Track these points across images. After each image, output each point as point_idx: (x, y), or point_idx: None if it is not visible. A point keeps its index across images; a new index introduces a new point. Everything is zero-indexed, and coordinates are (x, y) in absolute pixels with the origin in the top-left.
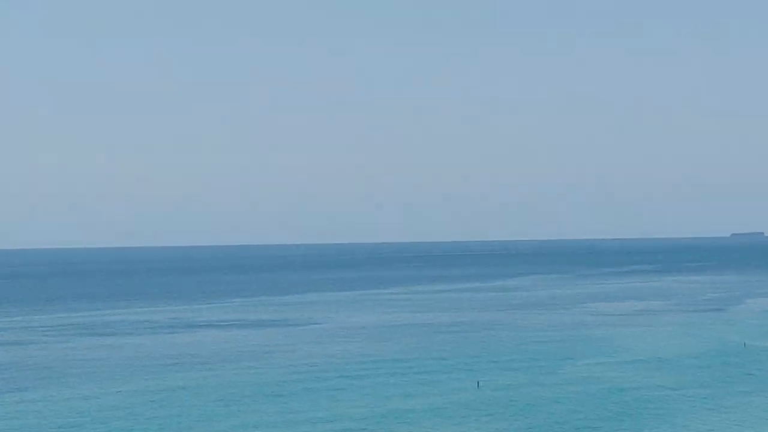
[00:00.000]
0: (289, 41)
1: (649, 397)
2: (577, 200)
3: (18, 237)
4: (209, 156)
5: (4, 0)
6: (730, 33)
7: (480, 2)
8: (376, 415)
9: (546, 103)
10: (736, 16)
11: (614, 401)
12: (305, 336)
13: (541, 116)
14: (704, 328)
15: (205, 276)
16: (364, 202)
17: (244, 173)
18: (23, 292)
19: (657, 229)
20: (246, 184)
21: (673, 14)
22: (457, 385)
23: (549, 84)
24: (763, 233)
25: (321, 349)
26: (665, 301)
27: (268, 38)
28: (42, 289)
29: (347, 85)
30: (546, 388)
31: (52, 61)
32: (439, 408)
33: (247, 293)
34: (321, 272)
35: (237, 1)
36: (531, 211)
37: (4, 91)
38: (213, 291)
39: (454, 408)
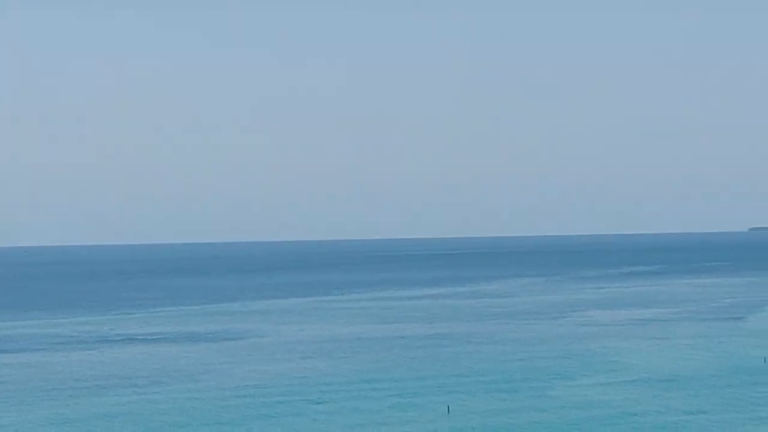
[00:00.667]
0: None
1: (656, 423)
2: (574, 192)
3: None
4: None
5: None
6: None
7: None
8: None
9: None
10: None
11: (609, 426)
12: (248, 352)
13: (528, 109)
14: (719, 340)
15: (132, 280)
16: (328, 195)
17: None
18: None
19: (666, 225)
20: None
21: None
22: (423, 411)
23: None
24: None
25: (266, 368)
26: (674, 308)
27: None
28: None
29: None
30: (531, 414)
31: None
32: None
33: (180, 301)
34: (269, 275)
35: None
36: (518, 204)
37: None
38: (139, 298)
39: None
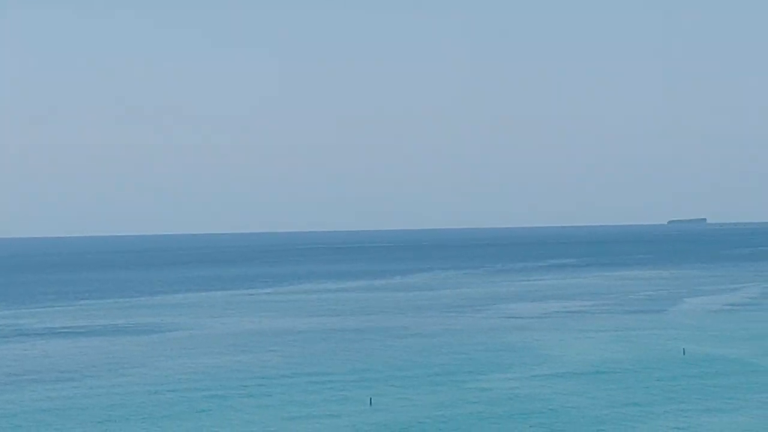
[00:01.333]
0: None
1: (579, 415)
2: (497, 186)
3: None
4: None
5: None
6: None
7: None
8: None
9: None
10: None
11: (534, 421)
12: (167, 346)
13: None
14: (640, 332)
15: (49, 274)
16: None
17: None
18: None
19: (585, 217)
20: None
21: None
22: (345, 404)
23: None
24: (705, 220)
25: (194, 361)
26: (595, 300)
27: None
28: None
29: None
30: (453, 407)
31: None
32: (321, 430)
33: (99, 294)
34: (201, 268)
35: None
36: (443, 197)
37: None
38: (56, 292)
39: (339, 430)
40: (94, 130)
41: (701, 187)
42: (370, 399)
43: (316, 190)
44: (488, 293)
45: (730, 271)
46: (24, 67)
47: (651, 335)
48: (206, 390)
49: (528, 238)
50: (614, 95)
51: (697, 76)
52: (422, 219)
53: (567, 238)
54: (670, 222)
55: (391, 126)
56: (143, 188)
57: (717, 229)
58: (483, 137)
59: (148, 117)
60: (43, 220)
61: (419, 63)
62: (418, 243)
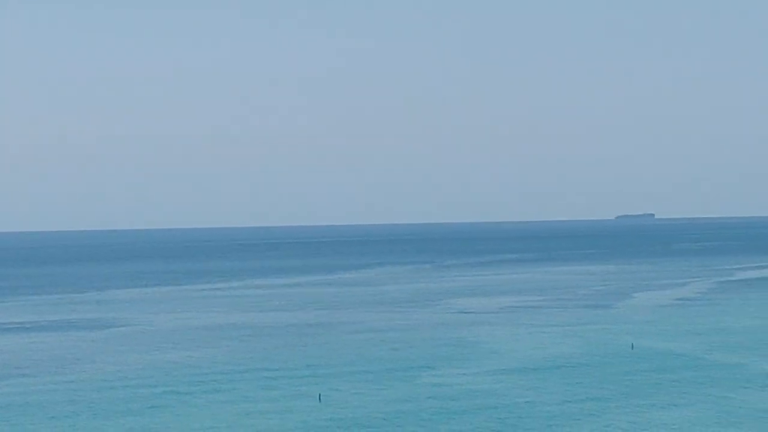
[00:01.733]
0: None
1: (526, 410)
2: (436, 181)
3: None
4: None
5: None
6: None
7: None
8: None
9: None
10: None
11: (486, 416)
12: (119, 342)
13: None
14: (589, 327)
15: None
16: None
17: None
18: None
19: (534, 212)
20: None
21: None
22: (294, 399)
23: None
24: (653, 215)
25: (137, 358)
26: (544, 295)
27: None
28: None
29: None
30: (402, 403)
31: None
32: (271, 426)
33: (48, 289)
34: (145, 263)
35: None
36: (386, 192)
37: None
38: (2, 287)
39: (290, 426)
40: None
41: (649, 183)
42: (319, 395)
43: (268, 186)
44: (438, 288)
45: (679, 265)
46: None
47: (600, 330)
48: (157, 386)
49: (477, 233)
50: (564, 93)
51: (645, 72)
52: (372, 214)
53: (516, 233)
54: (618, 217)
55: (337, 120)
56: (99, 183)
57: (665, 224)
58: (434, 133)
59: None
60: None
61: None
62: (369, 238)
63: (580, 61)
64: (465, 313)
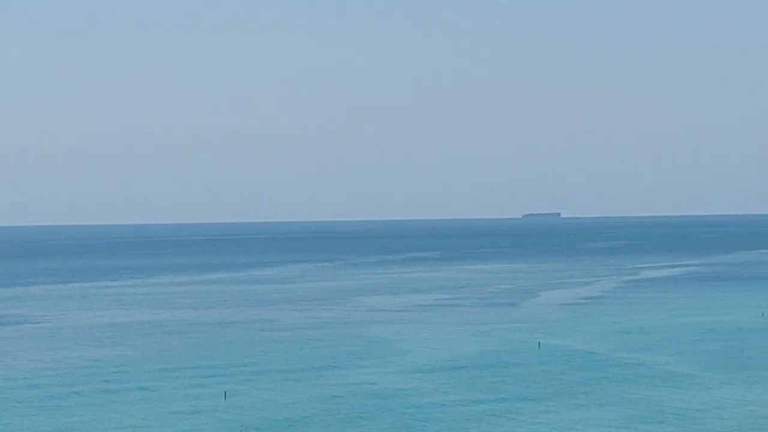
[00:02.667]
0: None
1: (434, 409)
2: (347, 180)
3: None
4: None
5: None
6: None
7: None
8: None
9: None
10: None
11: (390, 415)
12: (22, 341)
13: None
14: (495, 325)
15: None
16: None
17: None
18: None
19: (439, 210)
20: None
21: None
22: (200, 397)
23: None
24: (559, 214)
25: (40, 357)
26: (452, 294)
27: None
28: None
29: None
30: (309, 402)
31: None
32: (174, 423)
33: None
34: (52, 260)
35: None
36: (293, 190)
37: None
38: None
39: (194, 425)
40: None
41: (555, 182)
42: (225, 393)
43: (185, 183)
44: (346, 286)
45: (585, 264)
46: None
47: (507, 329)
48: (61, 385)
49: (385, 231)
50: (472, 93)
51: (550, 72)
52: (281, 211)
53: (423, 231)
54: (524, 216)
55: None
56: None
57: (571, 222)
58: (351, 129)
59: None
60: None
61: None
62: (276, 235)
63: (494, 61)
64: (373, 311)
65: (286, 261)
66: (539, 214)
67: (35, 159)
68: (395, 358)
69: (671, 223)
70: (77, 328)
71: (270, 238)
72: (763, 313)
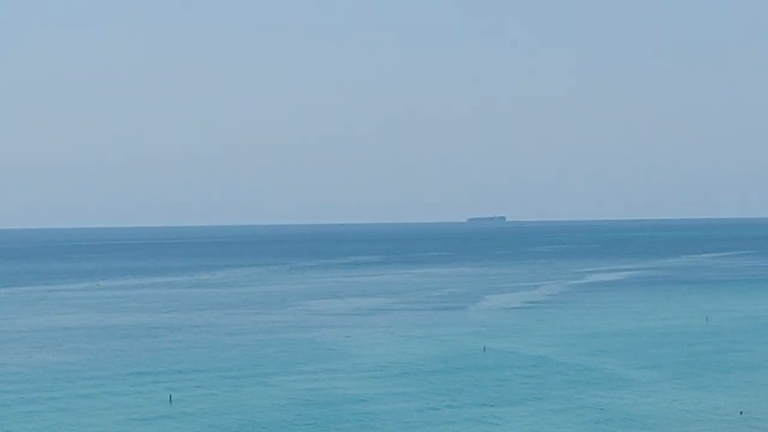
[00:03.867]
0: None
1: (378, 411)
2: (287, 180)
3: None
4: None
5: None
6: None
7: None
8: None
9: None
10: None
11: (335, 419)
12: None
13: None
14: (440, 329)
15: None
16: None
17: None
18: None
19: (385, 214)
20: None
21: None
22: (144, 400)
23: None
24: (504, 217)
25: None
26: (397, 297)
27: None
28: None
29: None
30: (255, 406)
31: None
32: (119, 426)
33: None
34: (13, 263)
35: None
36: (232, 193)
37: None
38: None
39: (137, 427)
40: None
41: (500, 186)
42: (170, 396)
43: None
44: (291, 290)
45: (530, 268)
46: None
47: (452, 332)
48: (6, 391)
49: (331, 234)
50: (420, 97)
51: (495, 76)
52: (224, 215)
53: (368, 235)
54: (470, 220)
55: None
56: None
57: (516, 226)
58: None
59: None
60: None
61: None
62: (220, 239)
63: (441, 63)
64: (319, 315)
65: (231, 265)
66: (484, 218)
67: None
68: (341, 362)
69: (618, 227)
70: (20, 333)
71: (213, 242)
72: (707, 318)
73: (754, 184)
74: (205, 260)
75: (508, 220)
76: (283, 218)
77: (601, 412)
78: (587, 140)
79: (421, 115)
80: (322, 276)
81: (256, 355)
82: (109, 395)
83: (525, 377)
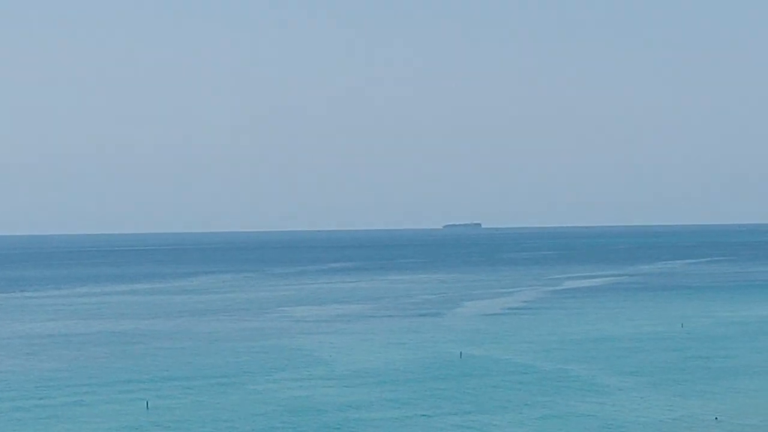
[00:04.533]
0: None
1: (357, 419)
2: (262, 186)
3: None
4: None
5: None
6: None
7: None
8: None
9: None
10: None
11: (313, 424)
12: None
13: None
14: (417, 335)
15: None
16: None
17: None
18: None
19: (361, 220)
20: None
21: None
22: (122, 407)
23: None
24: (480, 224)
25: None
26: (374, 304)
27: None
28: None
29: None
30: (231, 411)
31: None
32: None
33: None
34: None
35: None
36: (216, 200)
37: None
38: None
39: None
40: None
41: (476, 193)
42: (147, 402)
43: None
44: (268, 297)
45: (506, 275)
46: None
47: (429, 339)
48: None
49: (305, 241)
50: (381, 99)
51: (467, 84)
52: (200, 222)
53: (345, 242)
54: (445, 226)
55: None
56: None
57: (492, 233)
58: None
59: None
60: None
61: None
62: (199, 246)
63: (414, 69)
64: (296, 322)
65: (208, 271)
66: (460, 224)
67: None
68: (319, 369)
69: (592, 234)
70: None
71: (191, 248)
72: (682, 324)
73: (731, 192)
74: (181, 267)
75: (483, 226)
76: (258, 225)
77: (577, 418)
78: (563, 147)
79: (396, 123)
80: (300, 283)
81: (233, 362)
82: (87, 402)
83: (502, 383)
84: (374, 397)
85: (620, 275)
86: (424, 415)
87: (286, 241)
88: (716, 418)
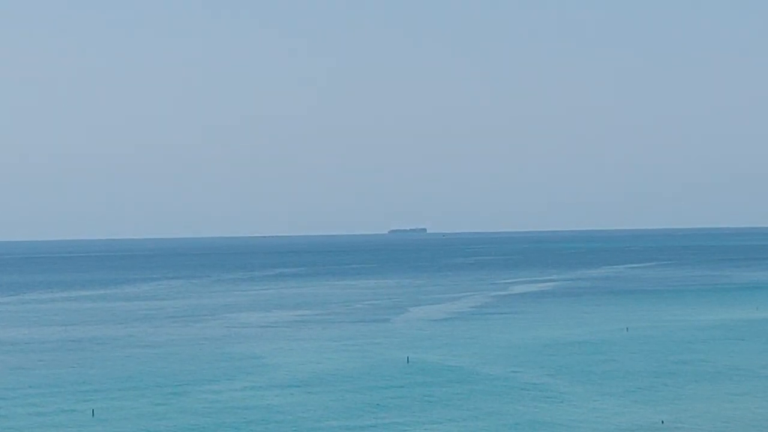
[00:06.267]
0: None
1: (301, 425)
2: (213, 192)
3: None
4: None
5: None
6: None
7: None
8: None
9: None
10: None
11: (258, 430)
12: None
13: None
14: (365, 341)
15: None
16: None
17: None
18: None
19: (305, 225)
20: None
21: None
22: (67, 415)
23: None
24: (425, 229)
25: None
26: (319, 309)
27: None
28: None
29: None
30: (177, 419)
31: None
32: None
33: None
34: None
35: None
36: (154, 204)
37: None
38: None
39: None
40: None
41: (421, 197)
42: (93, 410)
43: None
44: (213, 303)
45: (453, 279)
46: None
47: (375, 344)
48: None
49: (252, 247)
50: (325, 103)
51: (422, 89)
52: (143, 227)
53: (289, 247)
54: (391, 231)
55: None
56: None
57: (437, 238)
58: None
59: None
60: None
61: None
62: (143, 252)
63: (360, 74)
64: (240, 327)
65: (151, 278)
66: (406, 229)
67: None
68: (263, 373)
69: (539, 238)
70: None
71: (133, 254)
72: (628, 328)
73: (683, 195)
74: (126, 273)
75: (429, 231)
76: (202, 231)
77: (523, 423)
78: (507, 152)
79: (340, 126)
80: (246, 288)
81: (178, 369)
82: (30, 409)
83: (448, 388)
84: (320, 404)
85: (566, 280)
86: (369, 422)
87: (231, 247)
88: (662, 422)
